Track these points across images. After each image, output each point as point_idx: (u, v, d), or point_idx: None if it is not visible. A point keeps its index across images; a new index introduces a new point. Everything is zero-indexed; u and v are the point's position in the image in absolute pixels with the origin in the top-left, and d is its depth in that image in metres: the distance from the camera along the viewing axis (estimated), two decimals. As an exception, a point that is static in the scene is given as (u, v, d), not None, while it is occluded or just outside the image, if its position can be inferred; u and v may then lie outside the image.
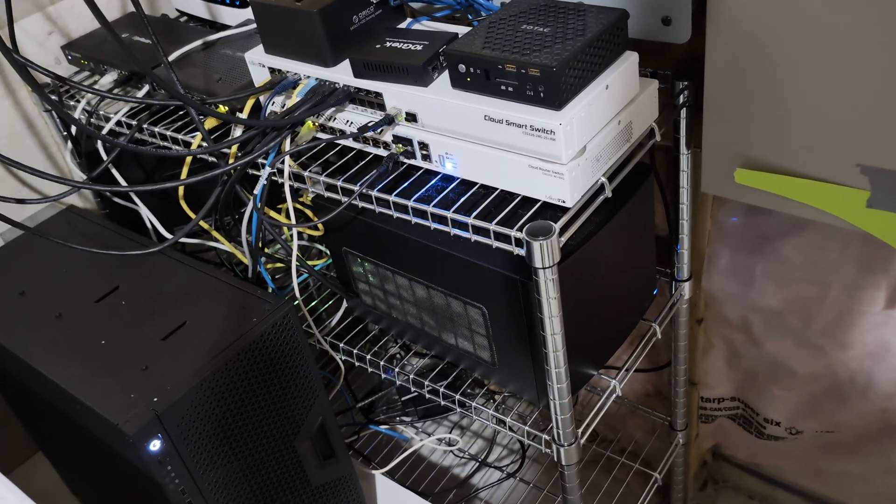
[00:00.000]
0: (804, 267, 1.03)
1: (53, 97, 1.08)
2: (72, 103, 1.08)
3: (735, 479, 1.44)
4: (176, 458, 0.78)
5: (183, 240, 1.06)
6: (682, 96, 0.88)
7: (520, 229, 0.73)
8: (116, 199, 1.16)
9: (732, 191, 0.85)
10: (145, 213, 1.07)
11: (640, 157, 0.83)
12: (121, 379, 0.80)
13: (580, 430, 0.91)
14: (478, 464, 1.43)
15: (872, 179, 0.74)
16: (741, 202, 0.98)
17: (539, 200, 0.77)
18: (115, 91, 1.05)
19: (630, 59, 0.76)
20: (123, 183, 1.04)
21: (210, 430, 0.81)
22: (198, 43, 1.03)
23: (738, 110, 0.80)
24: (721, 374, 1.25)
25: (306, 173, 0.88)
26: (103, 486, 1.02)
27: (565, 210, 0.75)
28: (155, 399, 0.77)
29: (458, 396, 0.98)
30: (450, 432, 1.50)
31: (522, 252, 0.73)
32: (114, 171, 1.04)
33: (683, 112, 0.89)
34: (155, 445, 0.76)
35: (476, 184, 0.81)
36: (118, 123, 1.03)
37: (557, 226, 0.71)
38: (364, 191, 0.82)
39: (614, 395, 0.95)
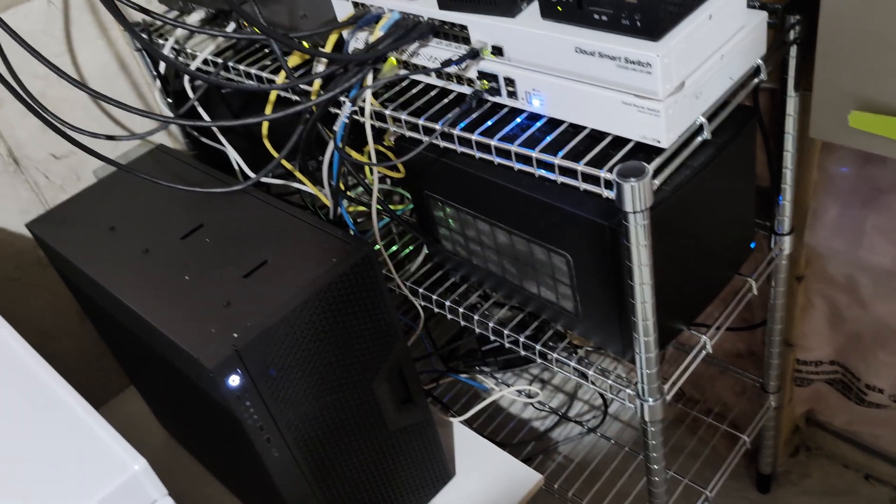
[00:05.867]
0: (922, 223, 0.95)
1: (144, 36, 1.09)
2: (161, 42, 1.09)
3: (829, 446, 1.37)
4: (255, 394, 0.79)
5: (269, 181, 1.06)
6: (792, 32, 0.81)
7: (610, 170, 0.69)
8: (204, 139, 1.17)
9: (845, 136, 0.78)
10: (231, 152, 1.08)
11: (743, 98, 0.77)
12: (203, 314, 0.81)
13: (666, 387, 0.87)
14: (558, 417, 1.41)
15: None
16: (853, 150, 0.91)
17: (631, 141, 0.72)
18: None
19: (737, -12, 0.70)
20: (207, 119, 1.04)
21: (288, 368, 0.81)
22: (284, -21, 1.02)
23: (856, 46, 0.73)
24: (820, 336, 1.18)
25: (388, 112, 0.85)
26: (188, 420, 1.04)
27: (660, 151, 0.70)
28: (235, 335, 0.77)
29: (538, 347, 0.96)
30: (530, 384, 1.48)
31: (612, 195, 0.69)
32: (199, 109, 1.04)
33: (793, 50, 0.82)
34: (234, 381, 0.76)
35: (564, 122, 0.77)
36: (204, 62, 1.03)
37: (651, 167, 0.67)
38: (446, 129, 0.79)
39: (704, 353, 0.91)
